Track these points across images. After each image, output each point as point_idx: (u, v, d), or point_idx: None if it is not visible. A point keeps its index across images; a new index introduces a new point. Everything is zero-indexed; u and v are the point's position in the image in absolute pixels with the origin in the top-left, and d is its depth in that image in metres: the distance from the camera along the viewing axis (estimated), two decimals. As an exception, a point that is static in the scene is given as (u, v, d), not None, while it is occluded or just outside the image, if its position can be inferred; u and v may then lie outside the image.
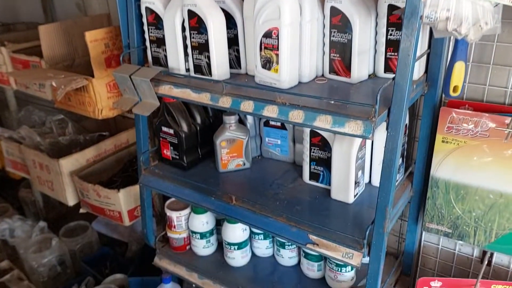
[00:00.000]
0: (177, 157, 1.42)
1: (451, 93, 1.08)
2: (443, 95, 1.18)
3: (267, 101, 1.02)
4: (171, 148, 1.42)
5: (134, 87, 1.22)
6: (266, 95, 1.04)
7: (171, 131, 1.38)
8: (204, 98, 1.12)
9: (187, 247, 1.58)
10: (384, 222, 0.99)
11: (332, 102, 0.95)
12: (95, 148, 1.80)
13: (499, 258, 1.31)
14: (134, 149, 1.96)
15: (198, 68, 1.18)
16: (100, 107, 1.44)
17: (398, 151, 0.92)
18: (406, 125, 1.23)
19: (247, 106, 1.04)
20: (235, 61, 1.21)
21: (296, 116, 0.96)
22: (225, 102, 1.08)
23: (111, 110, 1.47)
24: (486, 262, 1.30)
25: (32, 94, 1.74)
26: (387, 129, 0.92)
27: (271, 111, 1.01)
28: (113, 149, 1.87)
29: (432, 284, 1.24)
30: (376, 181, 1.30)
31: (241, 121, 1.43)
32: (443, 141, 1.17)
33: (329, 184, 1.26)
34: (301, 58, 1.08)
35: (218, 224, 1.55)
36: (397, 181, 1.09)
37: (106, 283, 1.87)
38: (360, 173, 1.22)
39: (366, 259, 1.16)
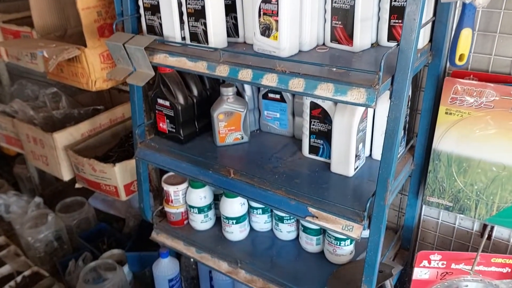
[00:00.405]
0: (174, 130, 1.39)
1: (457, 62, 1.04)
2: (448, 65, 1.15)
3: (266, 69, 0.98)
4: (167, 121, 1.39)
5: (128, 56, 1.18)
6: (265, 63, 1.00)
7: (167, 103, 1.34)
8: (200, 66, 1.08)
9: (185, 222, 1.56)
10: (385, 194, 0.97)
11: (334, 69, 0.91)
12: (90, 122, 1.77)
13: (499, 232, 1.30)
14: (130, 124, 1.92)
15: (194, 36, 1.13)
16: (94, 79, 1.40)
17: (401, 120, 0.90)
18: (408, 97, 1.20)
19: (245, 74, 1.00)
20: (233, 29, 1.17)
21: (297, 84, 0.93)
22: (222, 70, 1.04)
23: (105, 81, 1.43)
24: (486, 236, 1.29)
25: (24, 66, 1.70)
26: (390, 98, 0.89)
27: (270, 80, 0.97)
28: (108, 123, 1.83)
29: (432, 257, 1.23)
30: (376, 155, 1.28)
31: (239, 94, 1.40)
32: (446, 113, 1.14)
33: (329, 158, 1.24)
34: (301, 25, 1.03)
35: (216, 199, 1.53)
36: (398, 154, 1.07)
37: (104, 258, 1.87)
38: (361, 146, 1.20)
39: (366, 233, 1.14)
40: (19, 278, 1.93)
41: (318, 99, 1.18)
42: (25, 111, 1.83)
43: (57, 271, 1.97)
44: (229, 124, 1.35)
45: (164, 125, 1.41)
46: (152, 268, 1.64)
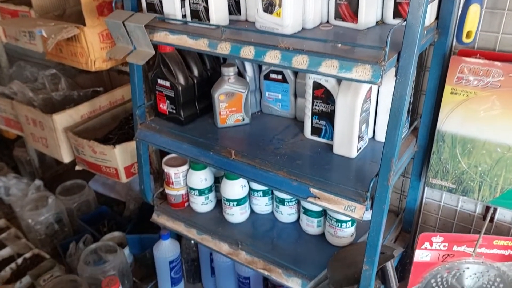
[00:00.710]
0: (174, 112, 1.37)
1: (464, 40, 1.02)
2: (454, 44, 1.13)
3: (269, 46, 0.96)
4: (168, 102, 1.37)
5: (127, 34, 1.16)
6: (268, 39, 0.98)
7: (167, 84, 1.32)
8: (201, 44, 1.06)
9: (186, 204, 1.56)
10: (389, 174, 0.96)
11: (339, 45, 0.89)
12: (90, 104, 1.75)
13: (501, 214, 1.29)
14: (130, 106, 1.90)
15: (195, 13, 1.11)
16: (93, 58, 1.38)
17: (406, 99, 0.88)
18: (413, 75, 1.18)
19: (248, 52, 0.98)
20: (234, 7, 1.15)
21: (300, 61, 0.91)
22: (224, 48, 1.02)
23: (104, 61, 1.40)
24: (488, 218, 1.28)
25: (23, 47, 1.67)
26: (396, 75, 0.87)
27: (273, 57, 0.95)
28: (108, 105, 1.82)
29: (434, 239, 1.22)
30: (380, 136, 1.26)
31: (240, 74, 1.37)
32: (451, 93, 1.12)
33: (331, 139, 1.22)
34: (305, 1, 1.01)
35: (217, 181, 1.52)
36: (402, 134, 1.05)
37: (104, 240, 1.87)
38: (364, 126, 1.18)
39: (367, 216, 1.13)
40: (19, 260, 1.93)
41: (321, 79, 1.16)
42: (24, 92, 1.81)
43: (57, 253, 1.97)
44: (230, 105, 1.33)
45: (164, 106, 1.39)
46: (153, 250, 1.64)
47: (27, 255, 1.95)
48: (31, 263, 1.92)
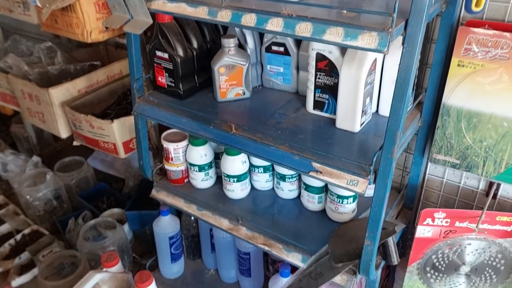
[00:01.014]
0: (173, 85, 1.34)
1: (473, 8, 0.99)
2: (462, 15, 1.09)
3: (271, 13, 0.92)
4: (166, 74, 1.34)
5: (124, 2, 1.12)
6: (270, 6, 0.94)
7: (166, 56, 1.29)
8: (201, 12, 1.02)
9: (185, 180, 1.54)
10: (394, 148, 0.93)
11: (344, 12, 0.86)
12: (87, 78, 1.71)
13: (505, 191, 1.28)
14: (128, 81, 1.86)
15: (194, -19, 1.07)
16: (89, 29, 1.33)
17: (413, 69, 0.85)
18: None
19: (249, 19, 0.95)
20: (235, -26, 1.10)
21: (304, 29, 0.87)
22: (224, 16, 0.99)
23: (101, 32, 1.36)
24: (492, 195, 1.26)
25: (17, 18, 1.62)
26: (403, 44, 0.84)
27: (275, 25, 0.91)
28: (105, 80, 1.78)
29: (436, 215, 1.21)
30: (383, 111, 1.24)
31: (241, 46, 1.34)
32: (458, 65, 1.09)
33: (334, 113, 1.20)
34: (309, -34, 0.97)
35: (217, 157, 1.50)
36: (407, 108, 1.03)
37: (104, 216, 1.86)
38: (368, 100, 1.15)
39: (369, 192, 1.12)
40: (18, 236, 1.93)
41: (325, 51, 1.13)
42: (19, 66, 1.77)
43: (56, 230, 1.97)
44: (230, 78, 1.30)
45: (163, 79, 1.36)
46: (153, 226, 1.63)
47: (26, 231, 1.94)
48: (30, 239, 1.92)
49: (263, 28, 0.93)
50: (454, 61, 1.09)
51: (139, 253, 1.91)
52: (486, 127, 1.12)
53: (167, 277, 1.73)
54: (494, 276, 1.28)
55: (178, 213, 1.66)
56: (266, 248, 1.31)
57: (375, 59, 1.10)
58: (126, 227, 1.87)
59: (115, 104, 1.78)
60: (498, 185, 1.26)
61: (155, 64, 1.34)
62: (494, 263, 1.26)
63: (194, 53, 1.32)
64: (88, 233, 1.77)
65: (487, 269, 1.27)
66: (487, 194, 1.29)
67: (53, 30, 1.45)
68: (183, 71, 1.31)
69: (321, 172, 1.07)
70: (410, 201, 1.43)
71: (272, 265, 1.64)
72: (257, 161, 1.41)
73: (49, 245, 1.83)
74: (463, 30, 1.05)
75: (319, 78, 1.18)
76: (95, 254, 1.67)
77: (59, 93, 1.62)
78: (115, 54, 1.98)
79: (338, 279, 1.17)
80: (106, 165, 2.29)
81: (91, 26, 1.33)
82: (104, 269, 1.40)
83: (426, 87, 1.21)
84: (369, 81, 1.12)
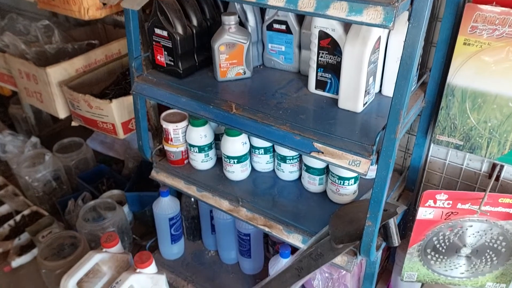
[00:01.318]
0: (172, 63, 1.32)
1: (482, -16, 0.96)
2: (469, -9, 1.06)
3: (273, -12, 0.90)
4: (165, 53, 1.31)
5: (122, -23, 1.09)
6: (272, -20, 0.91)
7: (165, 33, 1.26)
8: (201, -13, 0.99)
9: (185, 161, 1.53)
10: (397, 127, 0.91)
11: (349, -15, 0.83)
12: (85, 57, 1.69)
13: (508, 173, 1.27)
14: (127, 61, 1.83)
15: (194, -46, 1.04)
16: (86, 6, 1.30)
17: (419, 45, 0.82)
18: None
19: (250, -6, 0.92)
20: None
21: (307, 3, 0.85)
22: (225, -9, 0.96)
23: (98, 9, 1.33)
24: (494, 176, 1.25)
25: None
26: (409, 19, 0.82)
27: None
28: (104, 59, 1.75)
29: (438, 197, 1.20)
30: (387, 91, 1.21)
31: (242, 24, 1.31)
32: (464, 43, 1.07)
33: (337, 93, 1.18)
34: None
35: (217, 139, 1.48)
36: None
37: (104, 198, 1.85)
38: (371, 79, 1.13)
39: (371, 174, 1.10)
40: (18, 217, 1.92)
41: (328, 28, 1.10)
42: (16, 44, 1.74)
43: (56, 211, 1.96)
44: (230, 57, 1.28)
45: (161, 58, 1.33)
46: (152, 207, 1.63)
47: (26, 212, 1.94)
48: (30, 220, 1.92)
49: (265, 3, 0.90)
50: (460, 39, 1.07)
51: (139, 235, 1.91)
52: (491, 107, 1.10)
53: (167, 258, 1.73)
54: (494, 258, 1.27)
55: (178, 194, 1.65)
56: (267, 229, 1.30)
57: (379, 37, 1.07)
58: (126, 208, 1.86)
59: (113, 84, 1.75)
60: (502, 166, 1.25)
61: (154, 42, 1.31)
62: (495, 245, 1.25)
63: (194, 31, 1.30)
64: (87, 214, 1.77)
65: (488, 251, 1.26)
66: (490, 176, 1.28)
67: (50, 8, 1.42)
68: (182, 49, 1.28)
69: (322, 153, 1.05)
70: (412, 183, 1.42)
71: (272, 247, 1.64)
72: (257, 142, 1.39)
73: (48, 226, 1.83)
74: (470, 7, 1.02)
75: (321, 57, 1.16)
76: (94, 235, 1.67)
77: (57, 73, 1.60)
78: (113, 33, 1.94)
79: (339, 260, 1.16)
80: (106, 146, 2.27)
81: (88, 3, 1.31)
82: (104, 250, 1.40)
83: (430, 67, 1.19)
84: (373, 60, 1.09)
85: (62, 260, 1.45)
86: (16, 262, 1.78)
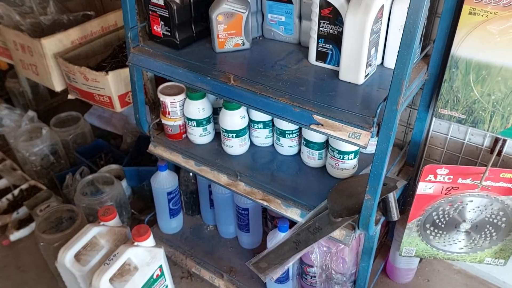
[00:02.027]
0: (169, 34, 1.28)
1: None
2: (477, -42, 1.02)
3: (273, -49, 0.86)
4: (162, 23, 1.27)
5: None
6: None
7: (161, 2, 1.22)
8: (198, -50, 0.95)
9: (183, 136, 1.51)
10: (399, 98, 0.89)
11: None
12: (80, 28, 1.65)
13: (510, 148, 1.25)
14: (123, 33, 1.80)
15: None
16: (80, -26, 1.26)
17: (423, 12, 0.79)
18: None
19: (249, -42, 0.88)
20: None
21: (307, -33, 0.81)
22: (222, -46, 0.92)
23: (93, -23, 1.29)
24: (496, 151, 1.23)
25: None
26: (413, -16, 0.78)
27: (277, -37, 0.85)
28: (100, 31, 1.71)
29: (439, 171, 1.18)
30: (388, 63, 1.19)
31: (241, -7, 1.27)
32: (470, 13, 1.03)
33: (338, 65, 1.15)
34: None
35: (215, 113, 1.46)
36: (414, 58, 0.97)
37: (102, 172, 1.84)
38: (373, 50, 1.10)
39: (370, 149, 1.08)
40: (16, 191, 1.92)
41: (329, -3, 1.07)
42: (10, 15, 1.70)
43: (54, 185, 1.96)
44: (229, 27, 1.24)
45: (158, 28, 1.30)
46: (151, 181, 1.62)
47: (24, 186, 1.94)
48: (28, 194, 1.91)
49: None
50: (465, 8, 1.03)
51: (138, 209, 1.91)
52: (496, 80, 1.07)
53: (166, 232, 1.73)
54: (494, 233, 1.27)
55: (177, 169, 1.64)
56: (265, 203, 1.29)
57: (382, 6, 1.04)
58: (124, 183, 1.85)
59: (110, 57, 1.72)
60: (504, 141, 1.23)
61: (150, 12, 1.28)
62: (495, 221, 1.24)
63: (191, 0, 1.26)
64: (85, 188, 1.76)
65: (488, 226, 1.26)
66: (492, 151, 1.26)
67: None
68: (179, 19, 1.24)
69: (322, 125, 1.03)
70: (412, 158, 1.40)
71: (270, 221, 1.64)
72: (256, 117, 1.37)
73: (46, 200, 1.83)
74: (477, -26, 0.99)
75: (322, 27, 1.12)
76: (92, 209, 1.66)
77: (52, 44, 1.57)
78: (109, 5, 1.90)
79: (337, 234, 1.16)
80: (103, 121, 2.25)
81: (82, -30, 1.26)
82: (102, 223, 1.39)
83: (434, 38, 1.15)
84: (375, 30, 1.06)
85: (60, 233, 1.45)
86: (15, 235, 1.78)
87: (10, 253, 1.78)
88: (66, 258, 1.31)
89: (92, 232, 1.36)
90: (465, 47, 1.07)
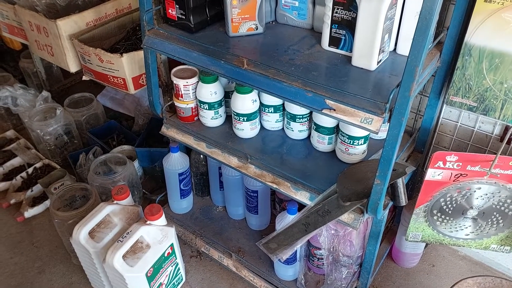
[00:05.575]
0: (183, 17, 1.29)
1: None
2: None
3: None
4: (177, 6, 1.28)
5: None
6: None
7: (177, -15, 1.23)
8: None
9: (195, 118, 1.53)
10: (412, 84, 0.90)
11: None
12: (95, 10, 1.66)
13: (520, 137, 1.26)
14: (137, 16, 1.82)
15: None
16: (97, -45, 1.27)
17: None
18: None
19: None
20: None
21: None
22: None
23: (108, -41, 1.30)
24: (506, 139, 1.24)
25: None
26: (430, -29, 0.79)
27: None
28: (114, 13, 1.73)
29: (448, 158, 1.20)
30: (402, 49, 1.19)
31: (256, -22, 1.27)
32: (485, 0, 1.03)
33: (351, 51, 1.15)
34: None
35: (227, 96, 1.48)
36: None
37: (114, 153, 1.87)
38: (386, 37, 1.10)
39: (381, 135, 1.09)
40: (30, 170, 1.96)
41: (344, -18, 1.07)
42: (26, -4, 1.71)
43: (67, 164, 2.00)
44: (243, 12, 1.25)
45: (173, 12, 1.31)
46: (163, 162, 1.65)
47: (38, 165, 1.98)
48: (42, 172, 1.95)
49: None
50: (481, -5, 1.03)
51: (149, 189, 1.95)
52: (509, 68, 1.08)
53: (177, 212, 1.77)
54: (501, 221, 1.28)
55: (188, 150, 1.67)
56: (274, 186, 1.32)
57: (398, -8, 1.04)
58: (136, 164, 1.89)
59: (124, 39, 1.74)
60: (515, 129, 1.23)
61: (165, -5, 1.29)
62: (502, 208, 1.26)
63: (206, -16, 1.27)
64: (98, 168, 1.80)
65: (495, 213, 1.27)
66: (502, 139, 1.27)
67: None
68: (194, 2, 1.26)
69: (334, 110, 1.04)
70: (422, 145, 1.41)
71: (279, 204, 1.67)
72: (267, 101, 1.39)
73: (60, 178, 1.87)
74: (494, -39, 0.99)
75: (336, 13, 1.13)
76: (105, 188, 1.70)
77: (67, 25, 1.58)
78: (124, -13, 1.90)
79: (345, 217, 1.18)
80: (116, 102, 2.28)
81: (99, -49, 1.27)
82: (115, 202, 1.43)
83: (447, 25, 1.15)
84: (389, 16, 1.06)
85: (75, 211, 1.49)
86: (29, 212, 1.83)
87: (24, 230, 1.83)
88: (81, 235, 1.35)
89: (106, 210, 1.39)
90: (479, 34, 1.08)
